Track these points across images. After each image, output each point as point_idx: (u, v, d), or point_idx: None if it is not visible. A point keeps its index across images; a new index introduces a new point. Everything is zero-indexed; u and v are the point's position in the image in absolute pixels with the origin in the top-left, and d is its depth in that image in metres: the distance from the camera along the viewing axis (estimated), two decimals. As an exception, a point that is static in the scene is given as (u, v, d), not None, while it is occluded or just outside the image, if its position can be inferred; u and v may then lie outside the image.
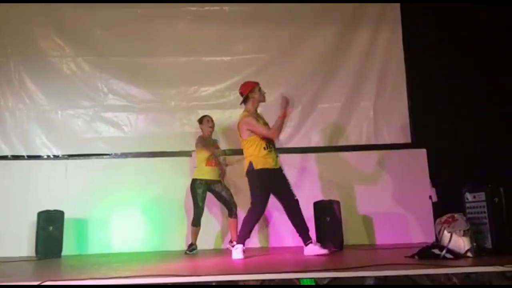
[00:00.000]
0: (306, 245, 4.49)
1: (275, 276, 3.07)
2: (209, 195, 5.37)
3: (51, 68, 6.11)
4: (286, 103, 4.50)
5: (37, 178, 5.80)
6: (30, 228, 5.37)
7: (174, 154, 5.95)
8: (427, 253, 3.80)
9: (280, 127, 4.51)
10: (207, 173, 5.31)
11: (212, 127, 5.47)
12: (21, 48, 6.10)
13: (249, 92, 4.65)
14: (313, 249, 4.43)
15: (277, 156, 4.60)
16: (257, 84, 4.71)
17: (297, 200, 4.55)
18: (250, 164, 4.52)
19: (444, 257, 3.68)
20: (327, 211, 5.11)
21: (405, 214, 5.71)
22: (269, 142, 4.56)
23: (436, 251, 3.78)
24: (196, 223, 5.25)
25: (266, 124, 4.67)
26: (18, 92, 6.06)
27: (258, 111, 4.74)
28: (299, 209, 4.54)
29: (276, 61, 6.14)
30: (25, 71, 6.08)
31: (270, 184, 4.52)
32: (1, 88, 6.06)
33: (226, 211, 5.48)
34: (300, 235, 4.55)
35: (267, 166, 4.49)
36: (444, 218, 4.01)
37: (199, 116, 5.60)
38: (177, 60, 6.16)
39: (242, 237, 4.49)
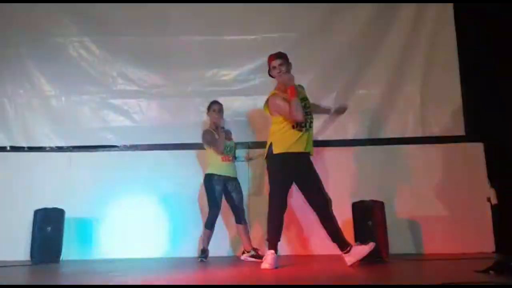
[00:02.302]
0: (345, 253, 3.73)
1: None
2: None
3: (54, 49, 5.47)
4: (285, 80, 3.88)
5: (38, 172, 5.21)
6: (27, 228, 4.75)
7: (190, 147, 5.21)
8: (506, 267, 2.99)
9: (293, 109, 3.74)
10: (225, 168, 4.60)
11: (218, 117, 4.70)
12: (22, 27, 5.49)
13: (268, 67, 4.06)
14: (355, 254, 3.67)
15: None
16: (271, 58, 4.05)
17: (328, 201, 3.81)
18: (270, 146, 3.86)
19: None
20: (368, 214, 4.40)
21: (459, 218, 4.92)
22: (308, 119, 3.86)
23: (518, 264, 2.99)
24: (210, 225, 4.54)
25: (304, 99, 3.95)
26: (18, 76, 5.44)
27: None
28: (330, 212, 3.82)
29: (306, 41, 5.35)
30: (26, 52, 5.46)
31: (289, 172, 3.82)
32: (-1, 72, 5.45)
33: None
34: (335, 242, 3.80)
35: (287, 149, 3.79)
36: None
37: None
38: (194, 39, 5.42)
39: (271, 241, 3.79)
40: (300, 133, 3.82)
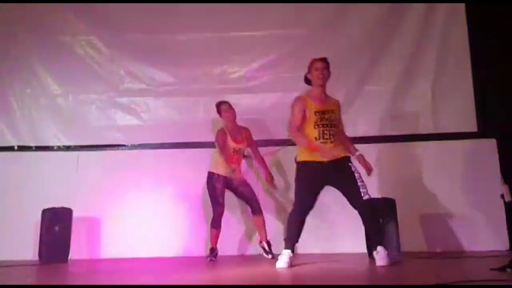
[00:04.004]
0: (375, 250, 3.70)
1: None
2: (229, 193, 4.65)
3: (61, 48, 5.44)
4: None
5: (46, 172, 5.17)
6: (36, 228, 4.71)
7: (199, 145, 5.15)
8: (523, 266, 2.90)
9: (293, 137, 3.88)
10: (225, 168, 4.54)
11: (230, 114, 4.64)
12: (29, 25, 5.46)
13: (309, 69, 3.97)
14: (381, 258, 3.62)
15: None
16: (315, 60, 3.92)
17: (364, 202, 3.72)
18: (298, 151, 3.86)
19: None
20: (379, 211, 4.25)
21: (472, 216, 4.81)
22: (327, 132, 3.77)
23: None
24: (216, 224, 4.50)
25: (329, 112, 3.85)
26: (25, 75, 5.42)
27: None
28: (368, 211, 3.75)
29: (315, 38, 5.26)
30: (33, 51, 5.44)
31: (313, 180, 3.76)
32: (7, 71, 5.43)
33: (248, 211, 4.72)
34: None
35: (312, 158, 3.73)
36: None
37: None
38: (202, 37, 5.36)
39: (288, 241, 3.77)
40: (324, 146, 3.75)
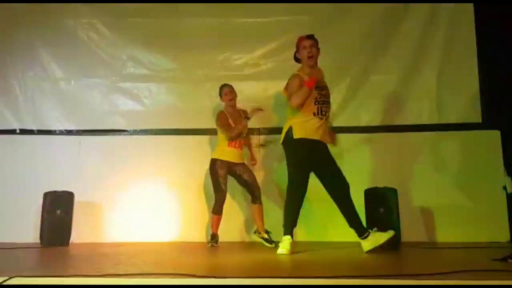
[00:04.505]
0: (362, 239, 3.69)
1: (324, 281, 2.23)
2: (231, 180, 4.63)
3: (64, 32, 5.39)
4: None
5: (48, 155, 5.16)
6: (37, 211, 4.70)
7: (201, 132, 5.15)
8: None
9: (297, 95, 3.74)
10: (229, 154, 4.53)
11: (232, 99, 4.62)
12: (31, 9, 5.40)
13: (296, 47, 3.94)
14: (373, 240, 3.63)
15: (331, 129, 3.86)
16: (303, 38, 3.91)
17: (347, 185, 3.74)
18: (289, 130, 3.76)
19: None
20: (381, 200, 4.32)
21: (473, 207, 4.80)
22: (324, 108, 3.78)
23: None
24: (218, 210, 4.49)
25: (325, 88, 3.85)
26: (28, 59, 5.37)
27: None
28: (349, 196, 3.75)
29: (320, 25, 5.16)
30: (36, 35, 5.39)
31: (310, 158, 3.74)
32: (9, 54, 5.38)
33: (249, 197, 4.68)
34: (352, 227, 3.74)
35: (308, 135, 3.71)
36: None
37: None
38: (206, 22, 5.30)
39: (287, 226, 3.74)
40: (321, 122, 3.75)
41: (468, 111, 5.06)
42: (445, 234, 4.75)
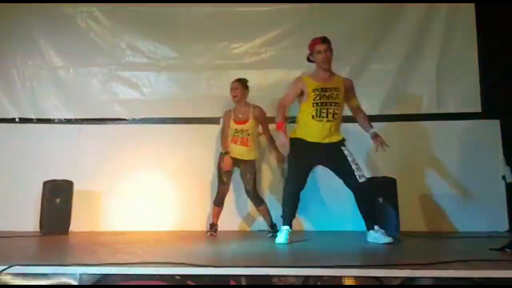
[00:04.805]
0: (368, 230, 3.74)
1: (319, 271, 2.24)
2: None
3: (63, 20, 5.35)
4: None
5: (47, 144, 5.14)
6: (37, 199, 4.71)
7: (200, 121, 5.15)
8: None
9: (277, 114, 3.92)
10: (232, 150, 4.49)
11: (236, 96, 4.53)
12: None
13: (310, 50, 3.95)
14: (375, 236, 3.66)
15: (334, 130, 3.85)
16: (316, 42, 3.89)
17: (360, 185, 3.72)
18: (295, 128, 3.92)
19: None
20: (380, 190, 4.31)
21: (472, 196, 4.81)
22: (324, 110, 3.78)
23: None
24: (218, 202, 4.50)
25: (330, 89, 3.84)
26: (26, 47, 5.33)
27: None
28: (362, 195, 3.77)
29: (320, 13, 5.16)
30: (35, 23, 5.35)
31: (304, 157, 3.80)
32: (8, 43, 5.35)
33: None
34: (365, 220, 3.79)
35: (305, 137, 3.80)
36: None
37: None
38: (205, 10, 5.26)
39: (285, 217, 3.82)
40: (320, 124, 3.77)
41: (468, 100, 5.05)
42: (444, 224, 4.76)
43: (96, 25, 5.37)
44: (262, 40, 5.24)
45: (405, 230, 4.34)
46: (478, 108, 5.02)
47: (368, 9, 5.19)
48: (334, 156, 3.81)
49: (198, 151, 5.05)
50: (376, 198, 4.22)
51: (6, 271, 2.19)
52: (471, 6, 5.16)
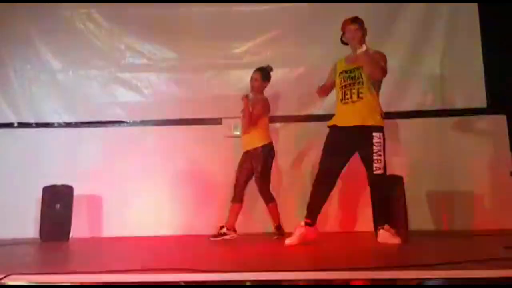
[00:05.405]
0: (378, 230, 3.65)
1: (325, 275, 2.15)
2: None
3: (61, 22, 5.27)
4: None
5: (46, 149, 5.08)
6: (36, 205, 4.65)
7: (202, 122, 5.07)
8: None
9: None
10: (243, 142, 4.43)
11: (252, 86, 4.49)
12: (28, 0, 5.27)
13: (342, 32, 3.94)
14: (384, 236, 3.57)
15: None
16: (346, 23, 3.89)
17: (374, 177, 3.65)
18: None
19: None
20: (387, 188, 4.17)
21: (481, 193, 4.72)
22: (348, 92, 3.73)
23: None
24: (233, 197, 4.36)
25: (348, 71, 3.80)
26: (25, 50, 5.26)
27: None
28: (375, 187, 3.71)
29: (321, 11, 5.06)
30: (33, 26, 5.27)
31: (334, 145, 3.72)
32: (6, 46, 5.27)
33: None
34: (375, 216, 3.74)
35: (337, 122, 3.74)
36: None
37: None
38: (205, 10, 5.17)
39: (309, 211, 3.70)
40: (346, 107, 3.71)
41: (473, 95, 4.95)
42: (453, 221, 4.68)
43: (94, 27, 5.29)
44: (262, 39, 5.15)
45: (414, 229, 4.26)
46: (483, 104, 4.93)
47: (370, 5, 5.10)
48: (362, 141, 3.67)
49: (200, 153, 4.98)
50: (389, 196, 4.10)
51: (3, 280, 2.11)
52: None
